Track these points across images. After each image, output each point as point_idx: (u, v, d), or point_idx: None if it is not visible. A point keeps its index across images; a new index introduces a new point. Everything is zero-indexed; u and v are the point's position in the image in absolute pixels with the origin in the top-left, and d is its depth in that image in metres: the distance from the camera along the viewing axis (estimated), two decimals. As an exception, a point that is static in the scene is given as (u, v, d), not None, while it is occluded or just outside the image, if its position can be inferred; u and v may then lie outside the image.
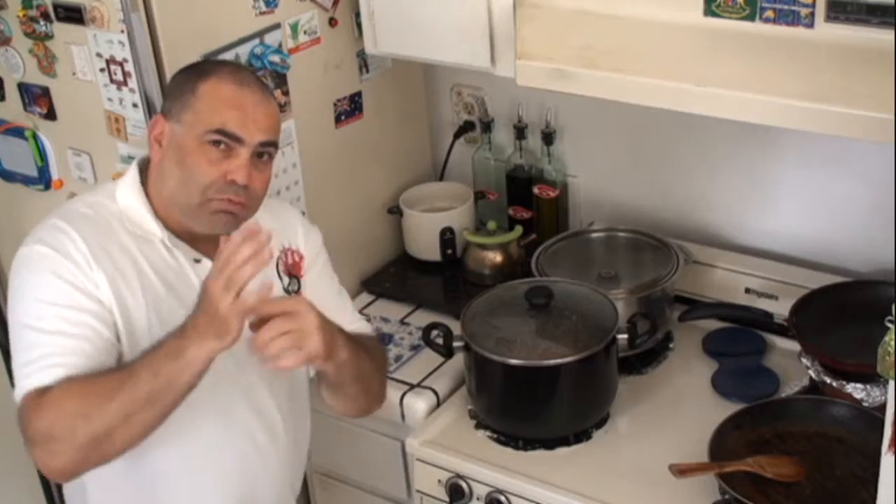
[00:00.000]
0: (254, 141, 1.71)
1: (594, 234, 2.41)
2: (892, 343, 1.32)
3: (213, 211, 1.72)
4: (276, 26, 2.18)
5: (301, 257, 1.93)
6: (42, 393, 1.60)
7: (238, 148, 1.71)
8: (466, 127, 2.64)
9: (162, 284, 1.74)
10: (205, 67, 1.81)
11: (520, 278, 2.23)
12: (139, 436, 1.62)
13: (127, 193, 1.78)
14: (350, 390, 1.88)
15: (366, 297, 2.52)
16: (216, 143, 1.70)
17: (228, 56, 2.08)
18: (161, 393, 1.59)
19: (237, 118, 1.70)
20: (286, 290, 1.90)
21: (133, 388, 1.58)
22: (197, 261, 1.78)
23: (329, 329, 1.71)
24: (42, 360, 1.62)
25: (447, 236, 2.51)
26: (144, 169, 1.81)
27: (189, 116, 1.72)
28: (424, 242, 2.55)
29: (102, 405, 1.58)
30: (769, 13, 1.72)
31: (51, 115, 2.19)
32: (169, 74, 1.99)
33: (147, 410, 1.59)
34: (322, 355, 1.68)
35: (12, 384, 1.65)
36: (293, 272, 1.92)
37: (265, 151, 1.75)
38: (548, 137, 2.48)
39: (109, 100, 2.07)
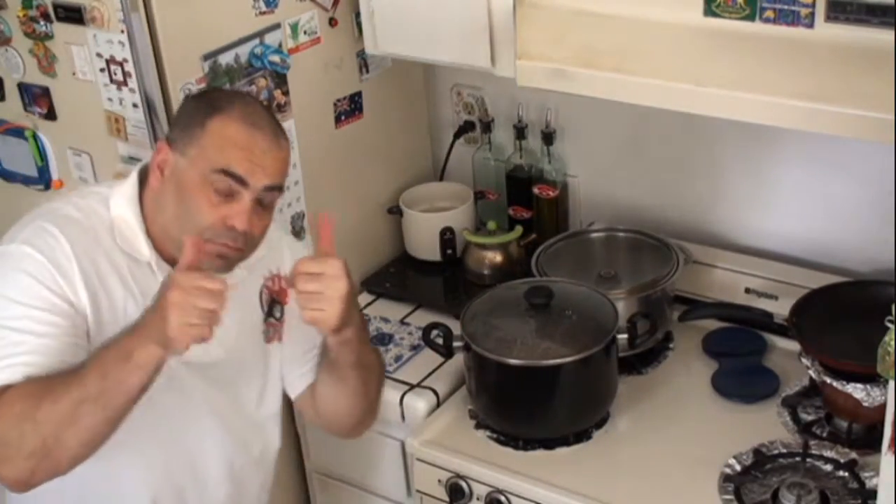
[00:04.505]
0: (258, 185, 1.64)
1: (594, 234, 2.41)
2: (892, 343, 1.32)
3: (208, 253, 1.63)
4: (276, 26, 2.18)
5: (288, 283, 1.80)
6: (1, 392, 1.54)
7: (241, 191, 1.63)
8: (466, 127, 2.64)
9: (143, 307, 1.62)
10: (217, 101, 1.69)
11: (520, 278, 2.23)
12: (89, 442, 1.54)
13: (122, 206, 1.70)
14: (350, 380, 1.83)
15: (366, 297, 2.51)
16: (219, 183, 1.62)
17: (228, 56, 2.09)
18: (109, 394, 1.51)
19: (244, 160, 1.63)
20: (267, 320, 1.84)
21: (81, 388, 1.51)
22: None
23: (350, 302, 1.66)
24: (5, 359, 1.56)
25: (447, 236, 2.51)
26: (144, 178, 1.72)
27: (194, 151, 1.64)
28: (424, 242, 2.55)
29: (50, 406, 1.51)
30: (769, 13, 1.72)
31: (51, 115, 2.19)
32: (169, 74, 2.00)
33: (96, 413, 1.52)
34: (332, 326, 1.66)
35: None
36: (279, 299, 1.85)
37: (269, 196, 1.68)
38: (548, 137, 2.48)
39: (109, 100, 2.07)
